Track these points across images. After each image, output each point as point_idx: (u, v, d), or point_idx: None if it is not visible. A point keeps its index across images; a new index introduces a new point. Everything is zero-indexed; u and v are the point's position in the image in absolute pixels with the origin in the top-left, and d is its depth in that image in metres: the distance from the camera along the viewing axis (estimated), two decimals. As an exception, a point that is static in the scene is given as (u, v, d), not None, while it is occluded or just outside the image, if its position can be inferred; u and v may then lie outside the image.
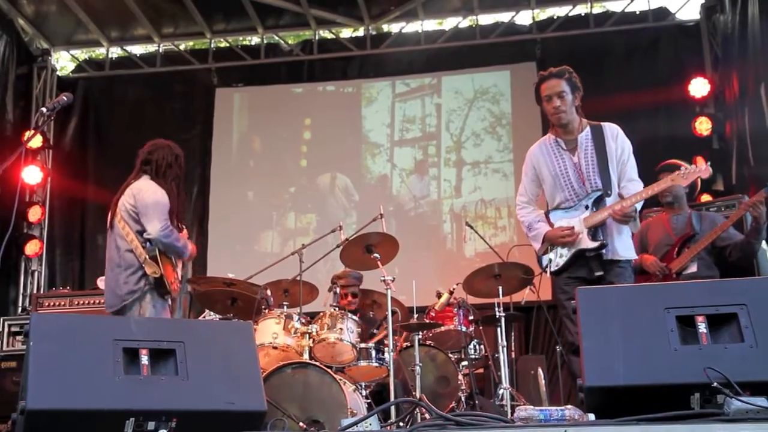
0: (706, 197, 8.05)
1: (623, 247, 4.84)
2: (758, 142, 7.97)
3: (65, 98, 4.17)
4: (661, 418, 2.50)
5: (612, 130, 4.99)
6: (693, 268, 5.82)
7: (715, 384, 2.66)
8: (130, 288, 5.14)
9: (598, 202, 4.83)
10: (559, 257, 4.90)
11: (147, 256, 5.15)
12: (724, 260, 5.95)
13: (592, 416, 2.79)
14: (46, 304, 7.86)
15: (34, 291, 9.72)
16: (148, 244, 5.19)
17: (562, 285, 4.88)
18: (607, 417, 2.66)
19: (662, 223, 6.12)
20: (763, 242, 6.84)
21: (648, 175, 5.12)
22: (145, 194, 5.24)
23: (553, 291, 5.10)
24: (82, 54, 11.22)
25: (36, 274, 10.03)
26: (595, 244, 4.77)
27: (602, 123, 5.03)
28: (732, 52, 8.74)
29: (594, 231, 4.80)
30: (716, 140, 8.82)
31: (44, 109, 4.09)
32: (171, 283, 5.24)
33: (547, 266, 4.96)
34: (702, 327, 2.91)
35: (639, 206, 4.84)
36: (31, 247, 9.82)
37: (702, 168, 4.86)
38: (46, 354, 2.90)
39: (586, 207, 4.85)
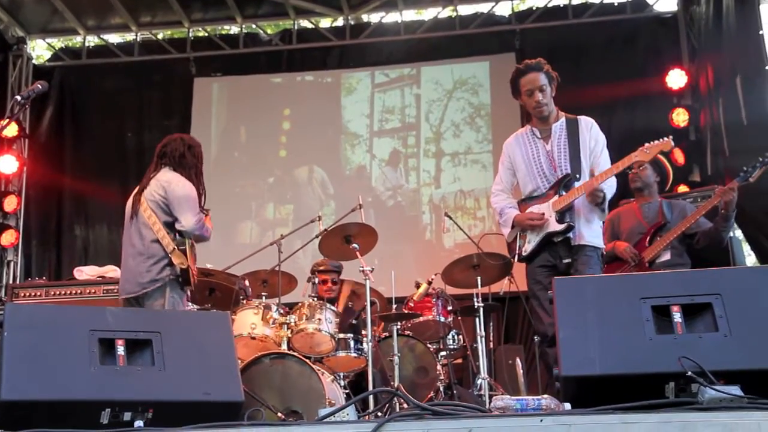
0: (682, 188, 8.10)
1: (591, 233, 4.84)
2: (733, 133, 8.02)
3: (40, 86, 4.13)
4: (636, 407, 2.51)
5: (587, 123, 5.01)
6: (666, 257, 5.86)
7: (689, 373, 2.68)
8: (153, 277, 5.11)
9: (567, 187, 4.83)
10: (527, 243, 4.90)
11: (176, 248, 5.14)
12: (693, 248, 5.99)
13: (568, 405, 2.80)
14: (22, 294, 7.77)
15: (10, 281, 9.64)
16: (178, 235, 5.18)
17: (535, 275, 4.89)
18: (584, 406, 2.67)
19: (633, 211, 6.14)
20: (739, 232, 6.89)
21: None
22: (175, 186, 5.21)
23: (527, 281, 5.09)
24: (58, 42, 11.11)
25: (12, 264, 9.96)
26: (561, 227, 4.77)
27: (578, 116, 5.05)
28: (707, 43, 8.79)
29: (561, 214, 4.79)
30: (693, 131, 8.88)
31: (19, 97, 4.05)
32: (193, 275, 5.25)
33: (516, 253, 4.96)
34: (677, 317, 2.92)
35: (609, 194, 4.84)
36: (7, 237, 9.75)
37: (663, 140, 4.77)
38: (21, 344, 2.87)
39: (556, 193, 4.85)
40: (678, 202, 6.32)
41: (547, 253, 4.86)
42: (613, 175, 4.82)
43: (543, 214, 4.83)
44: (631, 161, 4.81)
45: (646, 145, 4.79)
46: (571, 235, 4.79)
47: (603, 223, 5.07)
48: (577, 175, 4.83)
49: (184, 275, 5.15)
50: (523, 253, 4.92)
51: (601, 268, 5.03)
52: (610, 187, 4.85)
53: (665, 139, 4.79)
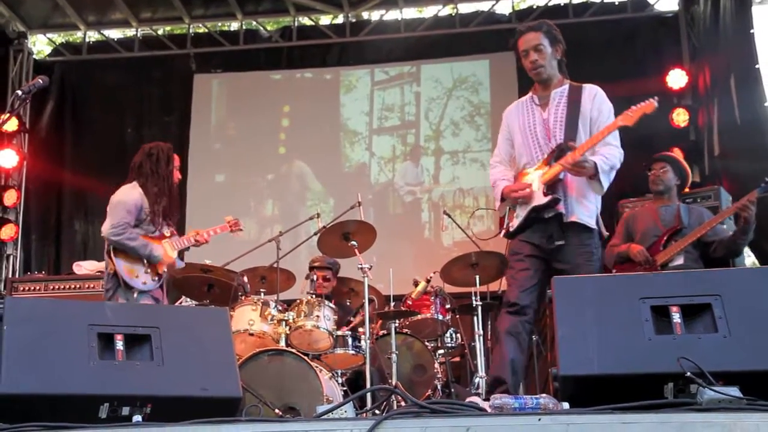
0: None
1: (584, 212, 4.47)
2: (727, 133, 8.03)
3: (41, 81, 4.13)
4: (634, 407, 2.51)
5: (591, 91, 4.65)
6: (679, 261, 5.79)
7: (688, 374, 2.67)
8: (107, 286, 5.48)
9: (560, 158, 4.43)
10: (515, 218, 4.56)
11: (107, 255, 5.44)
12: (708, 255, 5.95)
13: (566, 405, 2.80)
14: (21, 288, 7.80)
15: (9, 275, 9.64)
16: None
17: (514, 247, 4.60)
18: (582, 406, 2.67)
19: (650, 213, 6.09)
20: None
21: (625, 165, 4.80)
22: (114, 196, 5.53)
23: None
24: (59, 38, 11.08)
25: (11, 258, 9.94)
26: (545, 200, 4.41)
27: (585, 84, 4.71)
28: (706, 43, 8.80)
29: (549, 187, 4.44)
30: (693, 132, 8.88)
31: (19, 92, 4.06)
32: (132, 279, 5.42)
33: (504, 229, 4.65)
34: (676, 317, 2.92)
35: (607, 165, 4.44)
36: (7, 231, 9.74)
37: (647, 102, 4.50)
38: (20, 338, 2.87)
39: (547, 164, 4.50)
40: (696, 207, 6.28)
41: (534, 229, 4.51)
42: (600, 143, 4.45)
43: (531, 185, 4.47)
44: (615, 126, 4.48)
45: (632, 108, 4.49)
46: (562, 211, 4.42)
47: (601, 199, 4.64)
48: (571, 146, 4.44)
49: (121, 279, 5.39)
50: (510, 229, 4.58)
51: (601, 256, 4.67)
52: (607, 159, 4.45)
53: (650, 100, 4.51)
